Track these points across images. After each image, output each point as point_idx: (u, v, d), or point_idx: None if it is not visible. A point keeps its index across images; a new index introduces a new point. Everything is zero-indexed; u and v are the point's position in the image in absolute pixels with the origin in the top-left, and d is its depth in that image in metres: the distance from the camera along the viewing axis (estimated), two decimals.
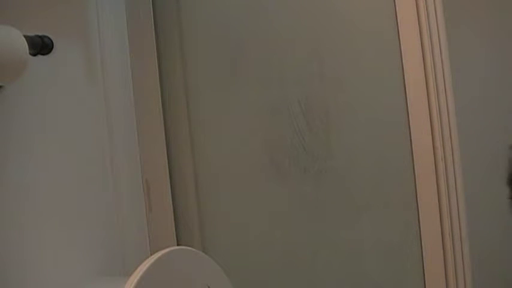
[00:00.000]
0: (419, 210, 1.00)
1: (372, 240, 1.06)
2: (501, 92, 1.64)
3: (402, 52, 1.00)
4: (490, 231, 1.57)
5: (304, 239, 1.11)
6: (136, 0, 1.20)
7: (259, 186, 1.15)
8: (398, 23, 1.00)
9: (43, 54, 0.94)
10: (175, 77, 1.20)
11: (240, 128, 1.17)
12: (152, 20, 1.20)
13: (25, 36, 0.83)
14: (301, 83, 1.10)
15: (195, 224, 1.19)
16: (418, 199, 1.00)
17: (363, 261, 1.07)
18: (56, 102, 1.00)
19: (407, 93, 1.00)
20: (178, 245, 1.18)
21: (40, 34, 0.92)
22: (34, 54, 0.92)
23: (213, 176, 1.19)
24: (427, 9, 0.98)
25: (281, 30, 1.12)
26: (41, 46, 0.92)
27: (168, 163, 1.19)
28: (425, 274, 1.00)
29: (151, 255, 0.83)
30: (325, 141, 1.09)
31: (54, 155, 0.98)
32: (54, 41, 0.94)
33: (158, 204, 1.19)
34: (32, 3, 0.96)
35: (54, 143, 0.98)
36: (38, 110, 0.96)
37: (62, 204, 0.98)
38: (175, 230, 1.19)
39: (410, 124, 1.00)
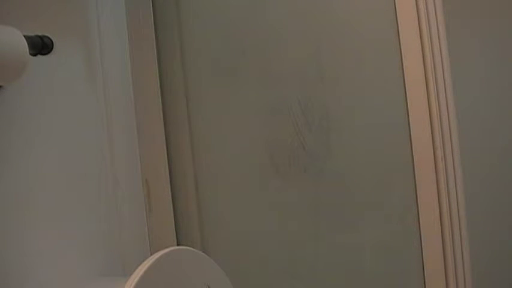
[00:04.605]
0: (419, 210, 1.00)
1: (372, 240, 1.06)
2: (501, 91, 1.64)
3: (402, 52, 1.00)
4: (490, 231, 1.57)
5: (304, 238, 1.11)
6: (136, 0, 1.20)
7: (259, 186, 1.15)
8: (398, 23, 1.00)
9: (43, 54, 0.94)
10: (175, 77, 1.20)
11: (240, 128, 1.17)
12: (152, 20, 1.20)
13: (25, 36, 0.83)
14: (301, 83, 1.10)
15: (195, 224, 1.19)
16: (418, 199, 1.00)
17: (362, 261, 1.07)
18: (55, 102, 1.00)
19: (407, 93, 1.00)
20: (178, 245, 1.18)
21: (40, 34, 0.92)
22: (34, 54, 0.92)
23: (213, 176, 1.19)
24: (427, 9, 0.98)
25: (281, 30, 1.12)
26: (41, 46, 0.92)
27: (168, 163, 1.19)
28: (425, 274, 1.00)
29: (151, 255, 0.83)
30: (325, 141, 1.08)
31: (54, 155, 0.98)
32: (54, 41, 0.94)
33: (158, 204, 1.19)
34: (32, 3, 0.96)
35: (53, 143, 0.98)
36: (37, 110, 0.96)
37: (61, 204, 0.98)
38: (175, 230, 1.19)
39: (410, 124, 1.00)
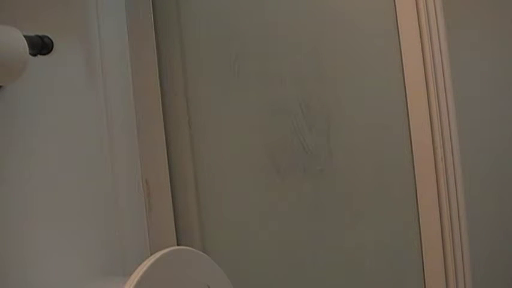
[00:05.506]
0: (419, 210, 1.00)
1: (372, 240, 1.06)
2: (501, 91, 1.64)
3: (402, 52, 1.00)
4: (490, 231, 1.57)
5: (304, 239, 1.11)
6: (136, 0, 1.20)
7: (259, 186, 1.15)
8: (398, 23, 1.00)
9: (43, 54, 0.94)
10: (175, 77, 1.20)
11: (240, 128, 1.17)
12: (152, 20, 1.20)
13: (25, 36, 0.83)
14: (301, 83, 1.10)
15: (195, 224, 1.19)
16: (418, 199, 1.00)
17: (362, 261, 1.07)
18: (55, 102, 1.00)
19: (407, 93, 1.00)
20: (178, 245, 1.18)
21: (40, 34, 0.92)
22: (34, 54, 0.92)
23: (213, 176, 1.19)
24: (427, 9, 0.99)
25: (281, 30, 1.12)
26: (41, 46, 0.92)
27: (168, 163, 1.19)
28: (425, 274, 1.00)
29: (151, 255, 0.83)
30: (325, 141, 1.09)
31: (54, 156, 0.98)
32: (54, 41, 0.94)
33: (158, 204, 1.19)
34: (32, 3, 0.96)
35: (54, 143, 0.98)
36: (37, 110, 0.96)
37: (61, 205, 0.98)
38: (175, 230, 1.19)
39: (410, 124, 1.00)
